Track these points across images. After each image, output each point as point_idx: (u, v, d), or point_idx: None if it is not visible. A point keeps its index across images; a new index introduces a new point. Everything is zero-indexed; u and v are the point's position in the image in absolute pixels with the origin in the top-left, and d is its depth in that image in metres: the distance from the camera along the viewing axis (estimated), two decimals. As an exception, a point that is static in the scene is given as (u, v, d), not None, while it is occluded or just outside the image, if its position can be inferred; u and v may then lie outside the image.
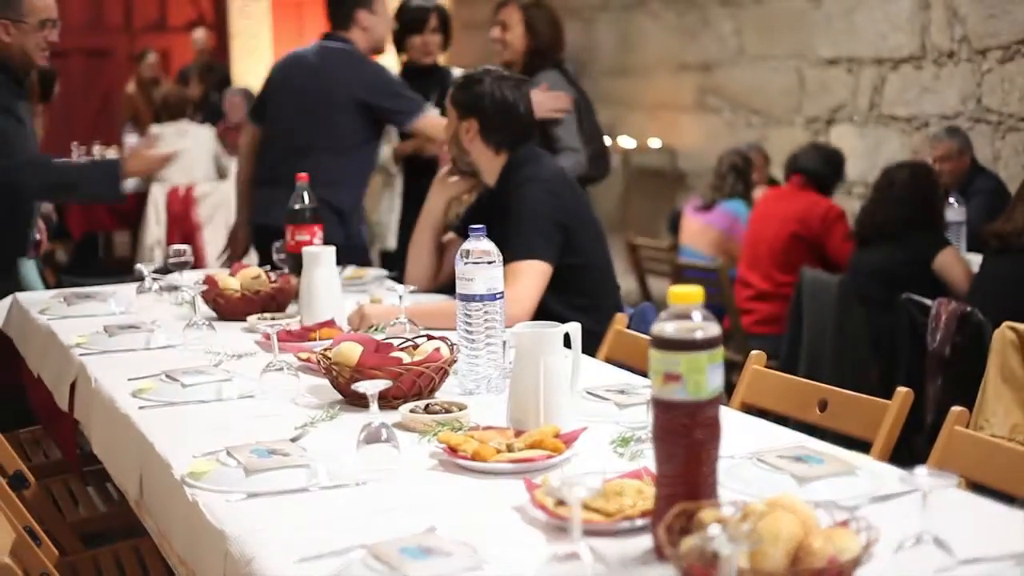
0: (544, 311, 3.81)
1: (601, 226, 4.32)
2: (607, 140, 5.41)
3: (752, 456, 2.45)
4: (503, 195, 4.13)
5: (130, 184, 9.15)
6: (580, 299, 4.09)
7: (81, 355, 3.71)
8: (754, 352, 3.43)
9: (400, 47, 6.32)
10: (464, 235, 3.96)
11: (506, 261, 3.67)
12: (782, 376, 3.42)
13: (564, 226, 4.06)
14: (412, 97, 5.47)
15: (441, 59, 6.52)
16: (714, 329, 1.97)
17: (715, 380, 1.98)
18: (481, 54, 7.13)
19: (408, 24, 6.25)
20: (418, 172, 6.09)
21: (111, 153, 10.84)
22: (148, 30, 14.29)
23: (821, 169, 6.66)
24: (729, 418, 2.18)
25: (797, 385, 3.33)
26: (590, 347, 3.69)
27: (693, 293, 1.97)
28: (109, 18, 14.02)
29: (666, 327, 1.97)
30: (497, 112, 4.15)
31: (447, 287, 4.42)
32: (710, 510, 1.93)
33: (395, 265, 5.53)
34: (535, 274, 3.93)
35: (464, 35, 10.30)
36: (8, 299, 4.79)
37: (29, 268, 5.53)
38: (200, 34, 13.42)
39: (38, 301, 4.54)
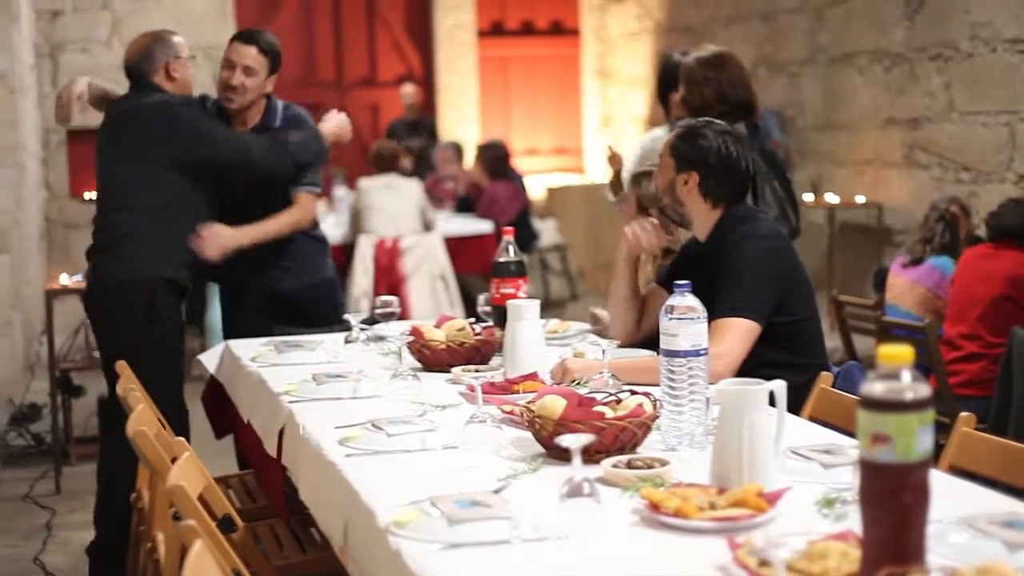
0: (755, 367, 3.75)
1: (811, 283, 4.26)
2: (809, 197, 5.29)
3: (961, 521, 2.40)
4: (716, 250, 4.09)
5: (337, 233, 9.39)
6: (791, 356, 4.03)
7: (290, 403, 3.79)
8: (963, 414, 3.35)
9: None
10: (668, 288, 3.95)
11: (715, 316, 3.65)
12: (993, 439, 3.33)
13: (781, 284, 4.01)
14: None
15: None
16: (924, 390, 1.94)
17: (925, 443, 1.94)
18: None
19: None
20: None
21: (321, 204, 11.08)
22: (358, 85, 14.61)
23: None
24: (937, 481, 2.13)
25: (1008, 448, 3.24)
26: (797, 403, 3.65)
27: (903, 353, 1.94)
28: (322, 73, 14.36)
29: (875, 387, 1.94)
30: (721, 167, 4.10)
31: (649, 340, 4.41)
32: None
33: None
34: (742, 332, 3.88)
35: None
36: (220, 346, 4.92)
37: (214, 314, 5.70)
38: (409, 89, 13.67)
39: (249, 349, 4.65)
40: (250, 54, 5.33)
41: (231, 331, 5.49)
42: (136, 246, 5.07)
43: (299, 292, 5.48)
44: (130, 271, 5.05)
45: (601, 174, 6.69)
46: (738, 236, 4.04)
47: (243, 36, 5.44)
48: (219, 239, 5.14)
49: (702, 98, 5.21)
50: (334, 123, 5.50)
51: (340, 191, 10.81)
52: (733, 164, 4.10)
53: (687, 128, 4.19)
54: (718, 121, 4.24)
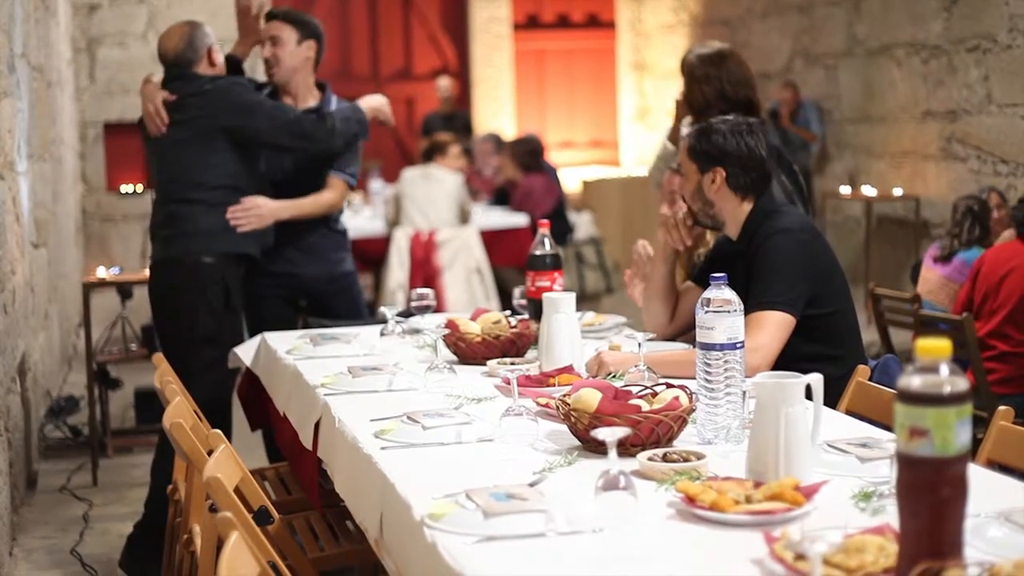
0: (790, 360, 3.74)
1: (844, 274, 4.25)
2: (846, 190, 5.20)
3: (999, 515, 2.38)
4: (748, 245, 4.10)
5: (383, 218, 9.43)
6: (826, 348, 4.03)
7: (326, 395, 3.80)
8: (1002, 408, 3.33)
9: None
10: (702, 284, 3.94)
11: (749, 310, 3.65)
12: (1031, 433, 3.31)
13: (813, 277, 4.01)
14: None
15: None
16: (962, 384, 1.93)
17: (963, 436, 1.93)
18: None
19: None
20: None
21: (355, 197, 11.11)
22: (394, 79, 14.62)
23: None
24: (975, 475, 2.12)
25: (1047, 443, 3.22)
26: (833, 396, 3.64)
27: (941, 346, 1.93)
28: (357, 68, 14.38)
29: (913, 381, 1.93)
30: (742, 156, 4.10)
31: (681, 334, 4.41)
32: (955, 570, 1.88)
33: None
34: (777, 325, 3.88)
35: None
36: (257, 339, 4.94)
37: None
38: (444, 82, 13.67)
39: (285, 342, 4.66)
40: (273, 26, 5.63)
41: (251, 318, 5.57)
42: (207, 227, 5.21)
43: (317, 281, 5.56)
44: (203, 251, 5.19)
45: (636, 167, 6.61)
46: (768, 231, 4.05)
47: (267, 15, 5.69)
48: (259, 210, 5.29)
49: (703, 96, 5.16)
50: (375, 100, 5.74)
51: (376, 184, 10.82)
52: (752, 151, 4.12)
53: (699, 129, 4.20)
54: (727, 117, 4.26)
